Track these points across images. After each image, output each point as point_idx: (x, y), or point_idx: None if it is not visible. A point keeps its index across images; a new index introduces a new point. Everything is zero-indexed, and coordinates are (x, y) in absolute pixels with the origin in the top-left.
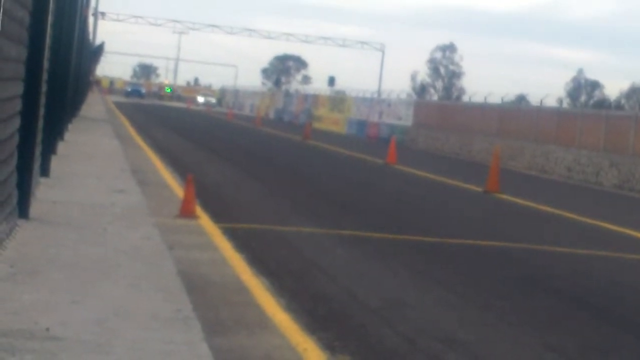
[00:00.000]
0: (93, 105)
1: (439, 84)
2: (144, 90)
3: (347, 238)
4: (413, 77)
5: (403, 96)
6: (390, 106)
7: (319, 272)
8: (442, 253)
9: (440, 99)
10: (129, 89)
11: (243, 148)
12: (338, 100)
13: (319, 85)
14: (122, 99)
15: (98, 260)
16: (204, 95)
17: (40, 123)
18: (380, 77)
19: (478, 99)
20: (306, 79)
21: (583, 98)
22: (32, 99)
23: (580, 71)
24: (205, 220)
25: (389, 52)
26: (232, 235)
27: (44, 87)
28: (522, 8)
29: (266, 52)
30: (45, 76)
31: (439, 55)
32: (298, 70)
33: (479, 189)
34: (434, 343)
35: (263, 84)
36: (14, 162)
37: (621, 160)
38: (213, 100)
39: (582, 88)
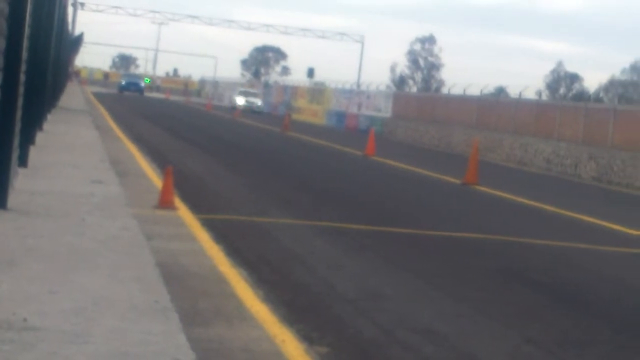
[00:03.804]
0: (72, 95)
1: (418, 76)
2: (143, 84)
3: (326, 229)
4: (392, 69)
5: (382, 88)
6: (369, 98)
7: (298, 263)
8: (420, 245)
9: (420, 91)
10: (124, 82)
11: (222, 139)
12: (317, 92)
13: (298, 77)
14: (102, 90)
15: (76, 250)
16: (245, 94)
17: (19, 113)
18: (360, 68)
19: (457, 90)
20: (285, 70)
21: (562, 90)
22: (11, 89)
23: (559, 63)
24: (184, 211)
25: (369, 44)
26: (211, 226)
27: (22, 78)
28: (502, 0)
29: (245, 43)
30: (24, 66)
31: (418, 47)
32: (277, 61)
33: (458, 181)
34: (411, 334)
35: (242, 75)
36: None
37: (600, 153)
38: (259, 102)
39: (561, 80)
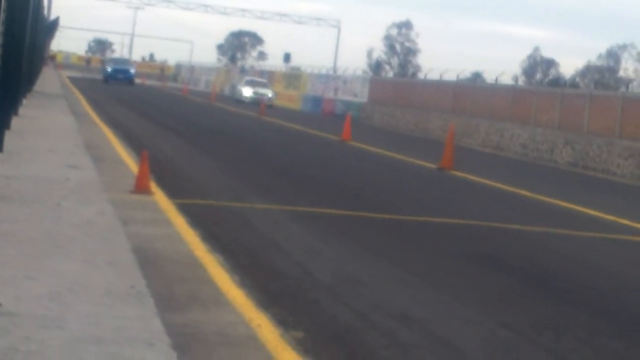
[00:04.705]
0: (48, 80)
1: (395, 61)
2: (133, 71)
3: (302, 214)
4: (369, 54)
5: (359, 73)
6: (345, 83)
7: (274, 248)
8: (396, 230)
9: (396, 76)
10: (110, 69)
11: (198, 124)
12: (293, 77)
13: (274, 62)
14: (77, 74)
15: (52, 235)
16: (253, 84)
17: None
18: (336, 53)
19: (434, 76)
20: (262, 55)
21: (538, 76)
22: None
23: (535, 49)
24: (159, 196)
25: (345, 29)
26: (187, 211)
27: None
28: None
29: (222, 28)
30: None
31: (394, 32)
32: (254, 46)
33: (434, 166)
34: (387, 320)
35: (219, 60)
36: None
37: (576, 138)
38: (269, 93)
39: (538, 66)
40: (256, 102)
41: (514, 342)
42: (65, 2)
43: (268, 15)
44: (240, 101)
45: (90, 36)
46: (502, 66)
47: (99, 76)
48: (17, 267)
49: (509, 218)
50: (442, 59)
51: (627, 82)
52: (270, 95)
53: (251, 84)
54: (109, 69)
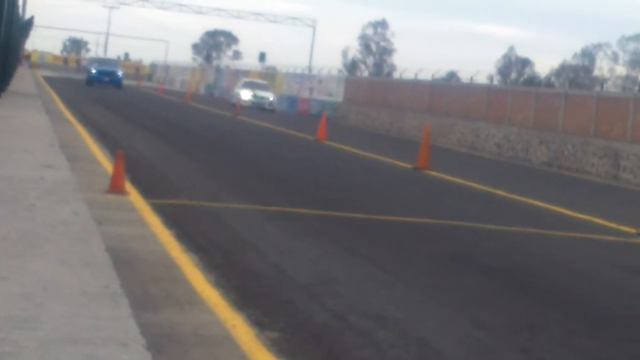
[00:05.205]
0: (23, 80)
1: (370, 61)
2: (121, 73)
3: (277, 214)
4: (344, 54)
5: (334, 72)
6: (321, 82)
7: (248, 248)
8: (371, 229)
9: (371, 76)
10: (94, 70)
11: (174, 123)
12: (269, 76)
13: (249, 61)
14: (52, 73)
15: (26, 235)
16: (252, 86)
17: None
18: (311, 53)
19: (409, 75)
20: (237, 55)
21: (513, 75)
22: None
23: (511, 48)
24: (134, 196)
25: (321, 28)
26: (162, 211)
27: None
28: None
29: (197, 28)
30: None
31: (370, 31)
32: (229, 45)
33: (409, 166)
34: (363, 319)
35: (194, 59)
36: None
37: (550, 138)
38: (270, 97)
39: (513, 65)
40: (256, 107)
41: (489, 342)
42: (40, 1)
43: (243, 15)
44: (237, 105)
45: (65, 35)
46: (478, 66)
47: (76, 76)
48: None
49: (484, 218)
50: (417, 58)
51: (602, 81)
52: (271, 98)
53: (250, 86)
54: (94, 70)
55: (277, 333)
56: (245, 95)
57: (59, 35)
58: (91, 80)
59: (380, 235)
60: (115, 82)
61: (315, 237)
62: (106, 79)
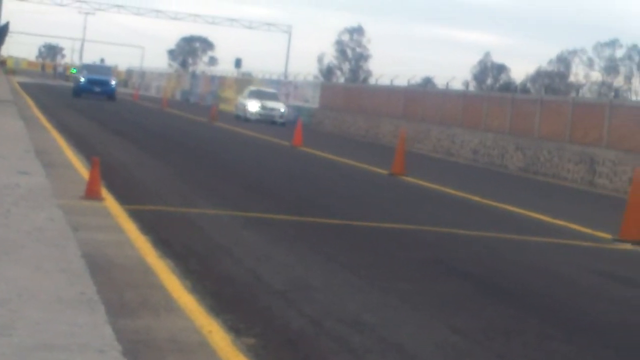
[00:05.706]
0: None
1: (346, 67)
2: (114, 82)
3: (253, 220)
4: (320, 60)
5: (310, 78)
6: (297, 88)
7: (225, 254)
8: (347, 235)
9: (347, 82)
10: (83, 79)
11: (149, 130)
12: (244, 82)
13: (225, 67)
14: (28, 79)
15: (1, 241)
16: (259, 95)
17: None
18: (287, 59)
19: (384, 81)
20: (213, 61)
21: (489, 81)
22: None
23: (486, 54)
24: (110, 202)
25: (296, 34)
26: (138, 217)
27: None
28: None
29: (173, 33)
30: None
31: (346, 37)
32: (205, 51)
33: (385, 172)
34: (339, 325)
35: (170, 65)
36: None
37: (526, 144)
38: (282, 108)
39: (488, 71)
40: (266, 121)
41: (465, 347)
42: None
43: (219, 21)
44: (246, 119)
45: (41, 41)
46: (453, 71)
47: (53, 82)
48: None
49: (460, 223)
50: (393, 64)
51: (578, 87)
52: (282, 110)
53: (257, 95)
54: (82, 79)
55: (253, 339)
56: (253, 106)
57: (35, 41)
58: (79, 91)
59: (356, 241)
60: (108, 93)
61: (291, 243)
62: (97, 89)
